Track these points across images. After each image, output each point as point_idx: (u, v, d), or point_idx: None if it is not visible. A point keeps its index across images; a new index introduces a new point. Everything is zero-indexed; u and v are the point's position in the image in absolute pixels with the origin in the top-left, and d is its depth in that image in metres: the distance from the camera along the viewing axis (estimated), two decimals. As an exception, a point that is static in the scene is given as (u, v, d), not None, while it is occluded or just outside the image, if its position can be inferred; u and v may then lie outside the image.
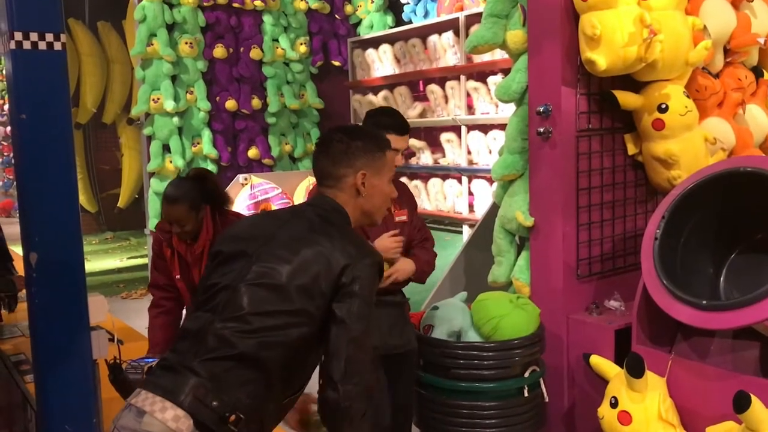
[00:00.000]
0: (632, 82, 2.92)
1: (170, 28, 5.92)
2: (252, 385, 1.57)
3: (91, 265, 8.45)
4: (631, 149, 3.04)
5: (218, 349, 1.57)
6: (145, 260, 7.72)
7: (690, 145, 2.88)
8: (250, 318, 1.59)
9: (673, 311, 2.37)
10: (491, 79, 4.74)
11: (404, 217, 2.75)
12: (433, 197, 5.38)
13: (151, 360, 2.66)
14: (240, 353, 1.56)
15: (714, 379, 2.36)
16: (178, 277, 2.93)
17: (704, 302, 2.29)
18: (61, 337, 2.12)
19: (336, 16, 6.73)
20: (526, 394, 2.66)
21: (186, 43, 5.91)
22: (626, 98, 2.88)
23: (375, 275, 1.66)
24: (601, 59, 2.66)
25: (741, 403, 2.02)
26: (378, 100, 5.76)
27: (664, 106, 2.82)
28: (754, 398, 2.01)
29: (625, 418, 2.39)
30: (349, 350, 1.58)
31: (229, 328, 1.58)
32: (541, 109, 2.88)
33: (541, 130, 2.90)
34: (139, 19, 5.84)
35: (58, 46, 2.06)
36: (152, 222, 5.90)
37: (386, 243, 2.61)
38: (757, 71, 3.30)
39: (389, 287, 2.63)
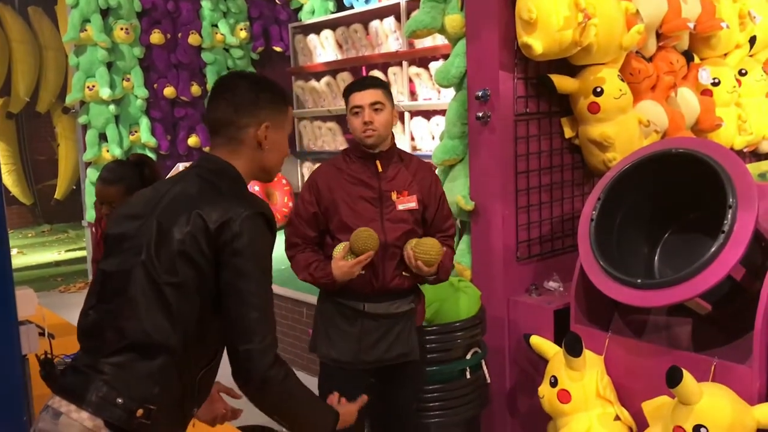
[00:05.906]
0: (568, 66, 2.96)
1: (104, 13, 5.74)
2: (159, 373, 1.48)
3: (27, 258, 8.18)
4: (568, 132, 3.08)
5: (117, 342, 1.48)
6: (84, 253, 7.51)
7: (624, 127, 2.94)
8: (139, 301, 1.48)
9: (609, 290, 2.42)
10: (433, 65, 4.73)
11: (413, 204, 2.34)
12: (377, 183, 5.36)
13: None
14: (139, 342, 1.47)
15: (649, 355, 2.42)
16: None
17: (639, 281, 2.34)
18: (-13, 333, 2.04)
19: (276, 1, 6.63)
20: (468, 376, 2.68)
21: (121, 28, 5.74)
22: (562, 82, 2.91)
23: (260, 227, 1.52)
24: (537, 43, 2.68)
25: (673, 378, 2.06)
26: (321, 86, 5.70)
27: (599, 90, 2.87)
28: (685, 373, 2.06)
29: (564, 396, 2.43)
30: (245, 312, 1.48)
31: (124, 317, 1.49)
32: (480, 93, 2.89)
33: (480, 114, 2.91)
34: (71, 4, 5.65)
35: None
36: (90, 213, 5.74)
37: (342, 269, 2.24)
38: (687, 55, 3.38)
39: (396, 289, 2.35)
